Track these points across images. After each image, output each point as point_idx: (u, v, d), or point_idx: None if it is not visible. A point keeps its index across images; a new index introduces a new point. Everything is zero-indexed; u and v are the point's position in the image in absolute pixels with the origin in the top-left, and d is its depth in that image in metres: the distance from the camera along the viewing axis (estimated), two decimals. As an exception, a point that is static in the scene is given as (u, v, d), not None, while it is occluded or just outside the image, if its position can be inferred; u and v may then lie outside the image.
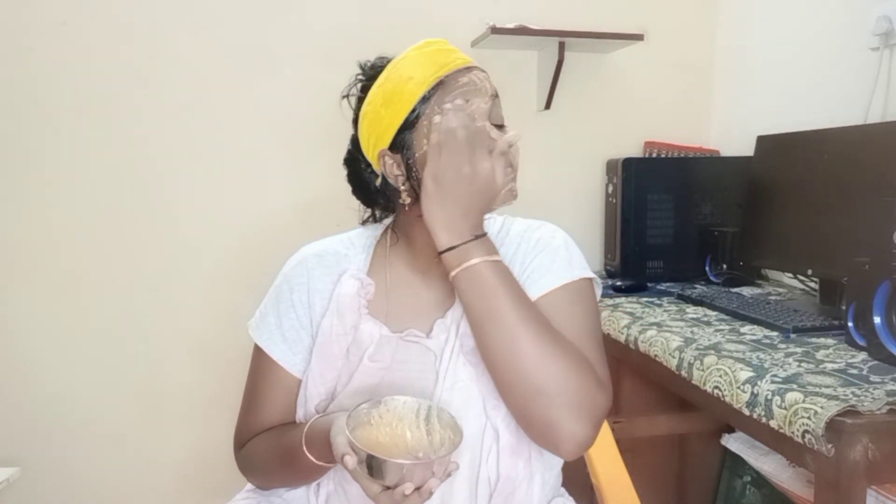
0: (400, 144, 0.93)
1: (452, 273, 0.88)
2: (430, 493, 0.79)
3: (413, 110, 0.92)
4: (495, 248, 0.91)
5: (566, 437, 0.85)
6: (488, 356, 0.89)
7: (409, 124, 0.92)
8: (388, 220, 1.05)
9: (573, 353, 0.87)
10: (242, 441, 1.03)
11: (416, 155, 0.92)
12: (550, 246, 0.98)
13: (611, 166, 2.08)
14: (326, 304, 0.99)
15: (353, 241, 1.05)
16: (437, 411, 0.87)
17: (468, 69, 0.95)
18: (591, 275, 1.00)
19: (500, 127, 0.95)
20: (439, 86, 0.92)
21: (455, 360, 0.94)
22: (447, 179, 0.88)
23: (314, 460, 0.88)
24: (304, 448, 0.89)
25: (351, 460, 0.78)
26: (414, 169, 0.92)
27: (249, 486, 1.07)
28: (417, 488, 0.78)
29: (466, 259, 0.87)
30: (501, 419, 0.93)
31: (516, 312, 0.86)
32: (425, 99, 0.92)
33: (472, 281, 0.87)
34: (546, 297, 0.94)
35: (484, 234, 0.90)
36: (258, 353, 1.03)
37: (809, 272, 1.64)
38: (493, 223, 1.04)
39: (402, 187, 0.94)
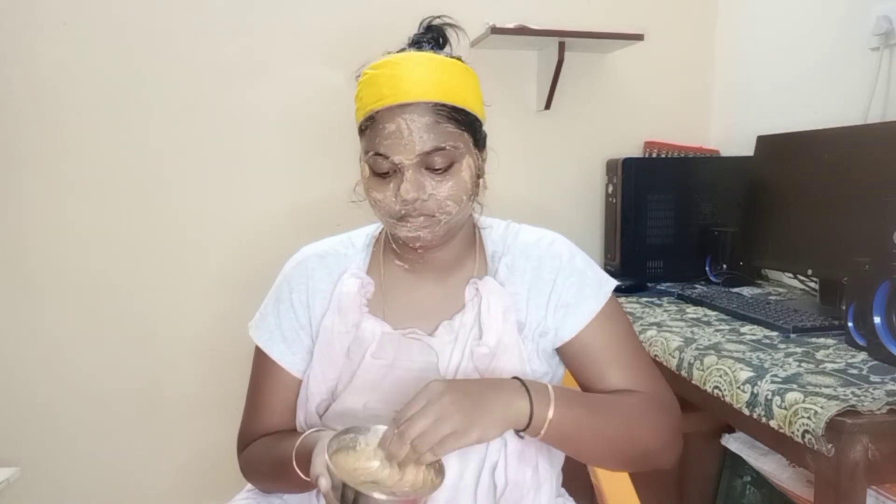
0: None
1: (538, 438, 0.86)
2: None
3: (360, 129, 0.94)
4: (541, 386, 0.86)
5: (665, 464, 0.96)
6: (589, 459, 0.97)
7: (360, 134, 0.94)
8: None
9: (644, 412, 0.93)
10: (245, 443, 1.03)
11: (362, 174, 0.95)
12: (575, 267, 1.00)
13: (611, 166, 2.08)
14: (326, 304, 0.99)
15: (353, 240, 1.05)
16: None
17: (403, 108, 0.87)
18: (613, 282, 1.02)
19: (440, 170, 0.89)
20: (370, 122, 0.90)
21: (465, 367, 0.94)
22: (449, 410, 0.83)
23: (303, 476, 0.87)
24: (294, 463, 0.88)
25: (325, 482, 0.77)
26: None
27: (249, 486, 1.07)
28: None
29: (540, 426, 0.84)
30: None
31: (595, 420, 0.89)
32: (362, 130, 0.93)
33: (557, 433, 0.86)
34: (590, 325, 0.97)
35: (521, 386, 0.85)
36: (259, 354, 1.03)
37: (809, 272, 1.64)
38: (497, 227, 1.04)
39: None
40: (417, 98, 0.87)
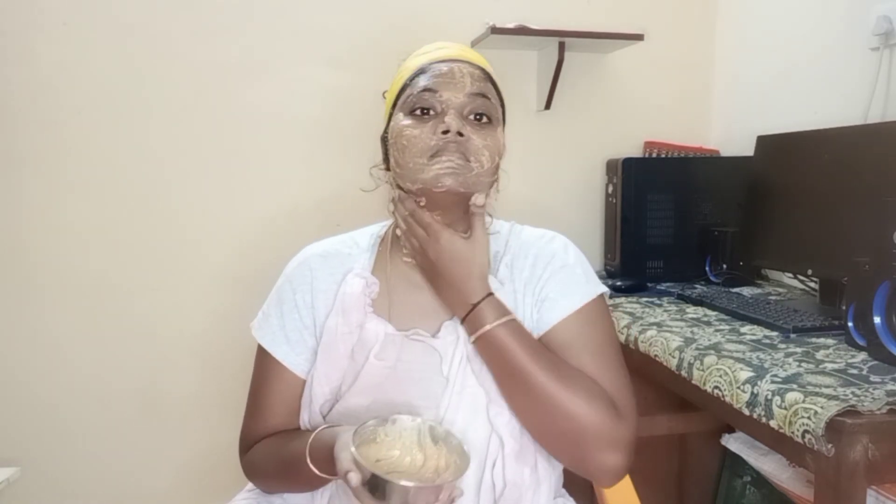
0: (387, 130, 0.98)
1: (471, 338, 0.92)
2: None
3: (397, 96, 0.96)
4: (505, 307, 0.93)
5: (598, 470, 0.91)
6: (513, 407, 0.93)
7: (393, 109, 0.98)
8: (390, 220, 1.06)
9: (589, 392, 0.90)
10: (248, 444, 1.03)
11: (388, 138, 0.97)
12: (566, 263, 1.00)
13: (611, 166, 2.08)
14: (330, 304, 0.99)
15: (356, 240, 1.06)
16: (444, 434, 0.86)
17: (455, 60, 0.95)
18: (604, 289, 1.01)
19: (482, 119, 0.95)
20: (419, 72, 0.95)
21: (464, 366, 0.94)
22: (426, 267, 0.95)
23: (317, 472, 0.87)
24: (308, 459, 0.88)
25: (355, 477, 0.77)
26: (388, 155, 0.98)
27: (250, 486, 1.07)
28: None
29: (481, 326, 0.90)
30: (504, 426, 0.93)
31: (532, 366, 0.89)
32: (405, 86, 0.95)
33: (489, 345, 0.91)
34: (566, 321, 0.96)
35: (490, 294, 0.92)
36: (262, 354, 1.02)
37: (809, 272, 1.64)
38: (501, 228, 1.05)
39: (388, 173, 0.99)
40: (469, 59, 0.97)
